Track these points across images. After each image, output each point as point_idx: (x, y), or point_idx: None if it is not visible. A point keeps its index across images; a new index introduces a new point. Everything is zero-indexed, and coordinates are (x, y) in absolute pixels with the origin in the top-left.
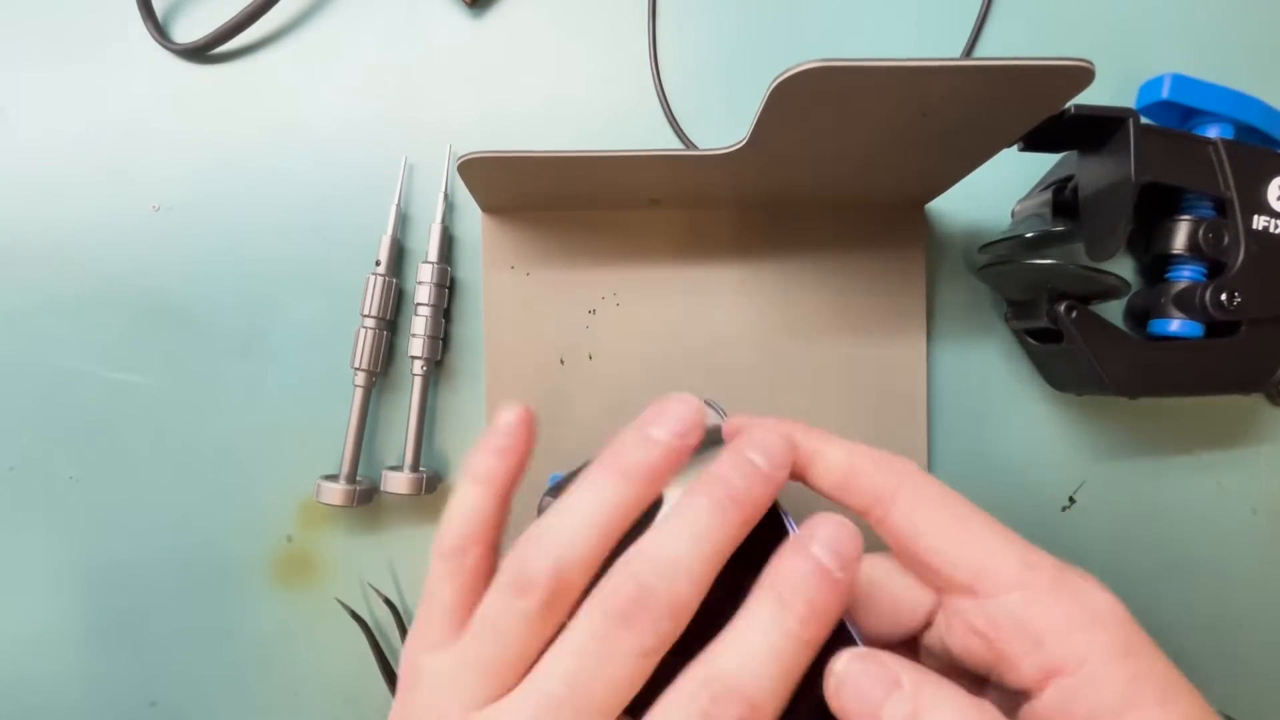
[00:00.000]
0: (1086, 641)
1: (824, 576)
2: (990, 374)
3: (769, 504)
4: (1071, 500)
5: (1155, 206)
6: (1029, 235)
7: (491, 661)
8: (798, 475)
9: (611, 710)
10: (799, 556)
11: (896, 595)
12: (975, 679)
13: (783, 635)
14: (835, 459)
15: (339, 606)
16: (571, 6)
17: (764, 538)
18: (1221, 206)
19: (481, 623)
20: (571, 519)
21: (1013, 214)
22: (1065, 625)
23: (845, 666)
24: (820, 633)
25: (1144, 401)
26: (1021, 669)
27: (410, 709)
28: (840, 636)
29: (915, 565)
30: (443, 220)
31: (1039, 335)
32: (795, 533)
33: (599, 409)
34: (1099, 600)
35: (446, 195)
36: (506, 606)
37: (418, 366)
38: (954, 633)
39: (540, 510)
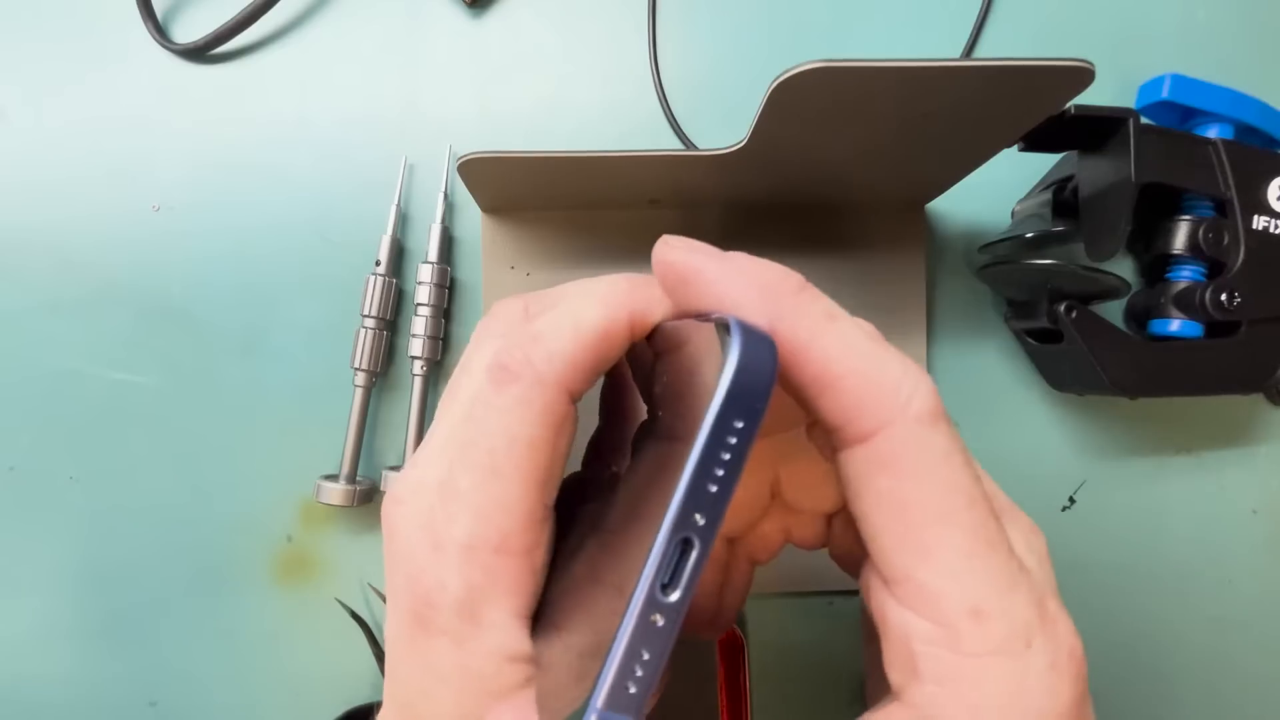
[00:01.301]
0: None
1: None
2: (990, 374)
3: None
4: (1071, 500)
5: (1155, 206)
6: (1029, 235)
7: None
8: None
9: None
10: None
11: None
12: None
13: (587, 295)
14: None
15: (339, 606)
16: (571, 6)
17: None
18: (1221, 206)
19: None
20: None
21: (1013, 214)
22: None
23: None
24: (619, 299)
25: (1144, 401)
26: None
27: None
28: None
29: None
30: (443, 220)
31: (1039, 335)
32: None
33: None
34: (1036, 700)
35: (446, 195)
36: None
37: (418, 367)
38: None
39: None
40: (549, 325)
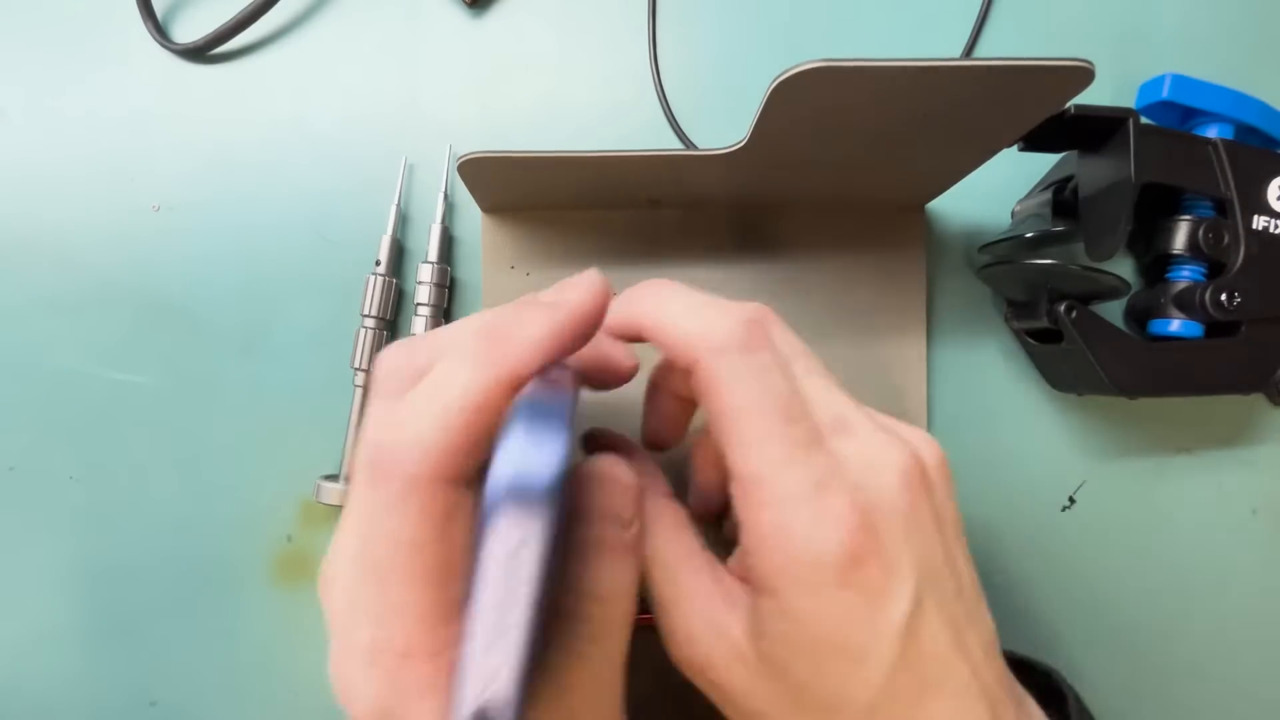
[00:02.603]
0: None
1: (522, 304)
2: (990, 374)
3: (550, 333)
4: (1071, 500)
5: (1155, 206)
6: (1029, 235)
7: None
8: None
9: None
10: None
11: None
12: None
13: (449, 358)
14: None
15: None
16: (571, 6)
17: None
18: (1221, 206)
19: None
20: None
21: (1013, 214)
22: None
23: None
24: (491, 349)
25: (1144, 401)
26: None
27: None
28: None
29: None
30: (443, 220)
31: (1039, 335)
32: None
33: (599, 410)
34: (802, 544)
35: (446, 195)
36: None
37: None
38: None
39: None
40: (417, 410)
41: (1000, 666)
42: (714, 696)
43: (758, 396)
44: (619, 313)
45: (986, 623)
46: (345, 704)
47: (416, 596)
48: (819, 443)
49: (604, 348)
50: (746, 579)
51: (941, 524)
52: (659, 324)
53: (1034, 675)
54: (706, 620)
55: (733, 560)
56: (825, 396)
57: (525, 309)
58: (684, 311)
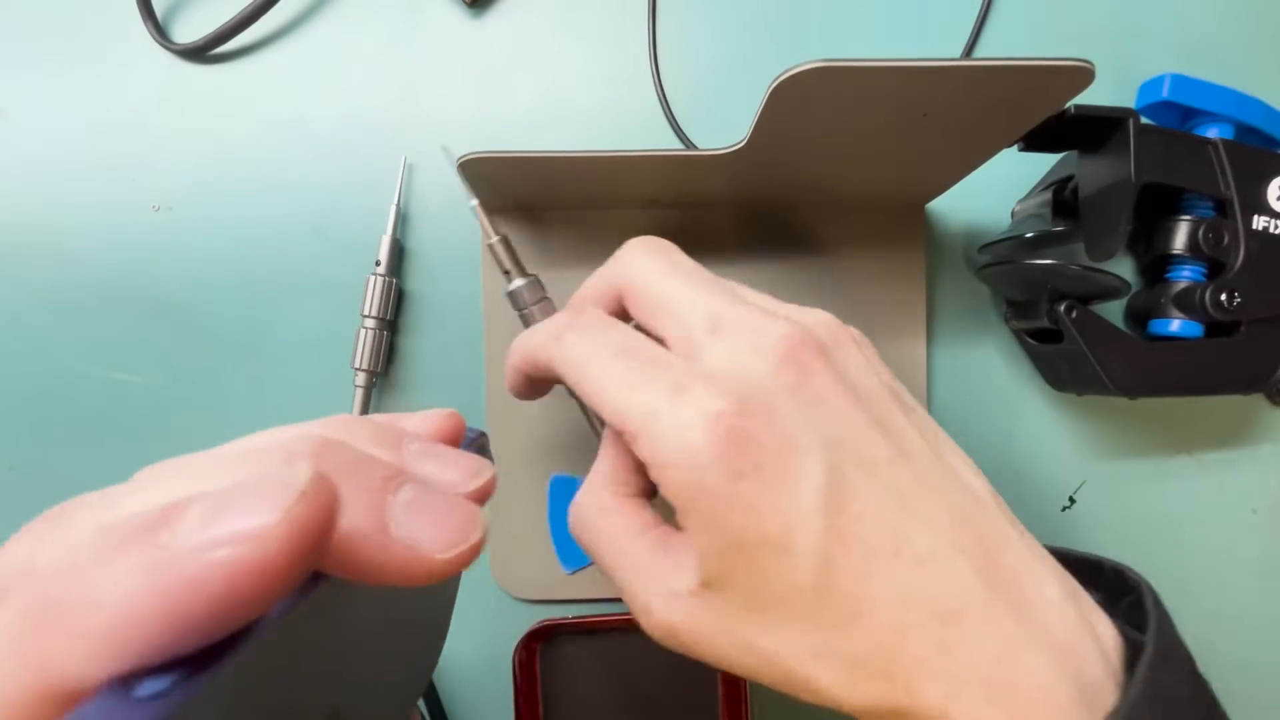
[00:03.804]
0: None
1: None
2: (990, 374)
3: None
4: (1071, 500)
5: (1155, 206)
6: (1029, 235)
7: None
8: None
9: None
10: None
11: None
12: None
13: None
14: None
15: None
16: (571, 7)
17: None
18: (1221, 206)
19: None
20: None
21: (1013, 214)
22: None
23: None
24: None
25: (1144, 401)
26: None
27: None
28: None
29: None
30: (494, 214)
31: (1039, 335)
32: None
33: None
34: (681, 454)
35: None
36: None
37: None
38: None
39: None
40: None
41: (994, 530)
42: (699, 658)
43: (588, 355)
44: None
45: (961, 489)
46: None
47: None
48: (661, 361)
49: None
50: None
51: (856, 390)
52: (530, 365)
53: (1101, 575)
54: (656, 586)
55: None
56: (692, 302)
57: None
58: (533, 343)
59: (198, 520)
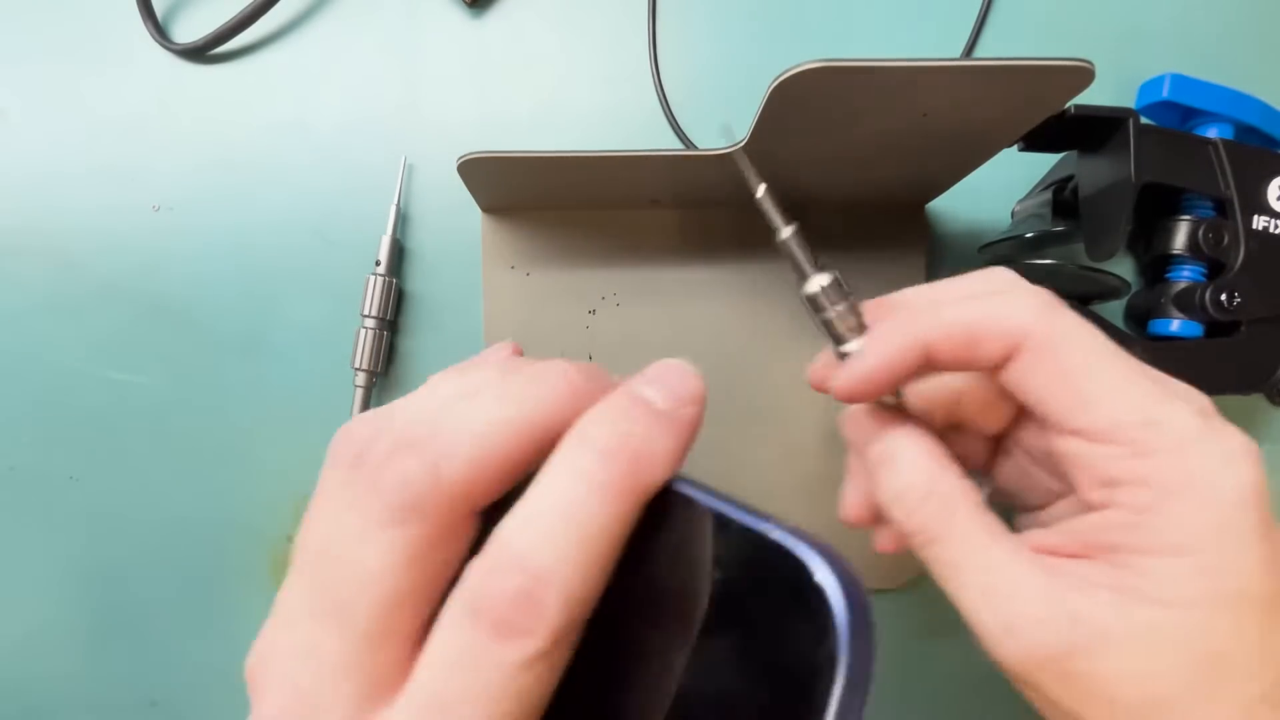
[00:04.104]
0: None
1: (638, 409)
2: None
3: (673, 460)
4: None
5: (1155, 206)
6: (1029, 235)
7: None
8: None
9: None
10: (610, 395)
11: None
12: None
13: (576, 484)
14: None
15: None
16: (571, 7)
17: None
18: (1221, 206)
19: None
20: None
21: (1013, 214)
22: (1151, 500)
23: (850, 411)
24: (627, 478)
25: None
26: (1088, 498)
27: None
28: (674, 509)
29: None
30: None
31: None
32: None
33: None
34: (1220, 488)
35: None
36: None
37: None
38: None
39: None
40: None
41: None
42: (1053, 694)
43: (1102, 342)
44: (892, 345)
45: None
46: None
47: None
48: (1173, 393)
49: None
50: (1087, 551)
51: None
52: (960, 325)
53: None
54: (1050, 606)
55: (1043, 535)
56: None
57: (651, 420)
58: (979, 304)
59: (664, 388)
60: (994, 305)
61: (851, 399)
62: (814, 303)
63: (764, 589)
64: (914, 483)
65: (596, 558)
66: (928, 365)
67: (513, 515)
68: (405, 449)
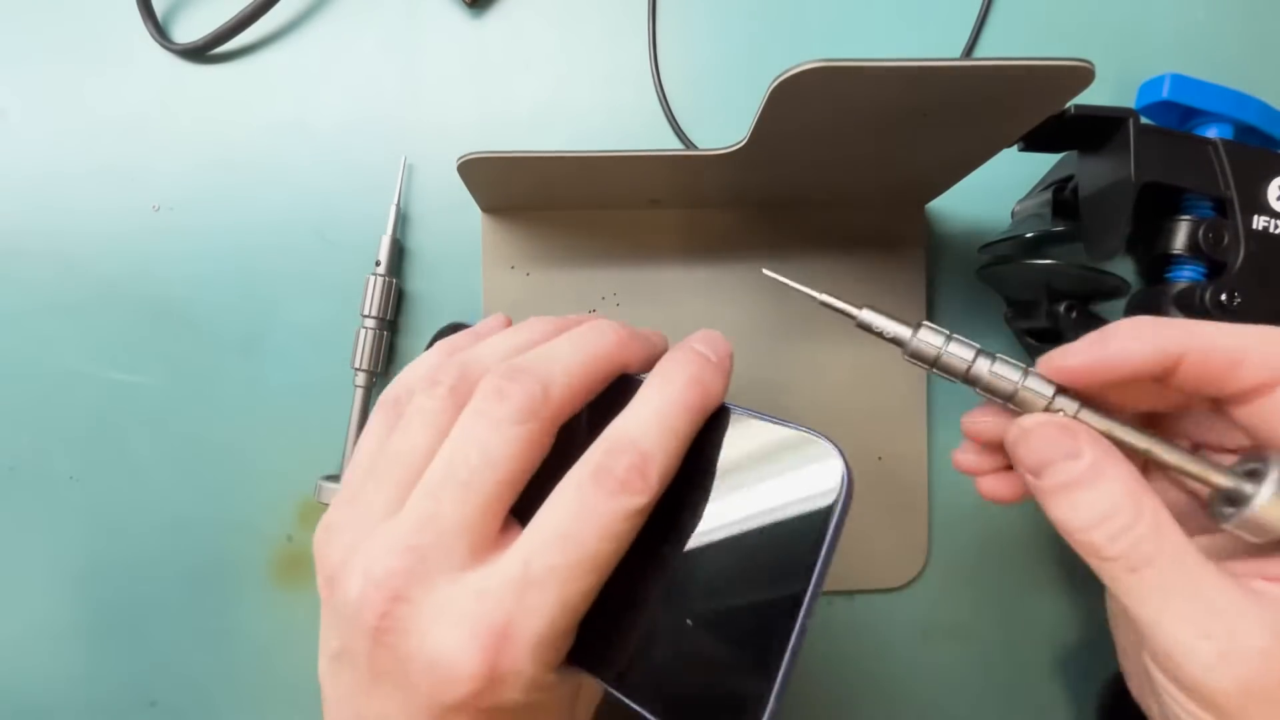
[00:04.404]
0: None
1: (699, 357)
2: None
3: (723, 392)
4: None
5: (1155, 206)
6: (1029, 235)
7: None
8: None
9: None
10: (677, 348)
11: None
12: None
13: (666, 399)
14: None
15: None
16: (571, 6)
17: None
18: (1221, 206)
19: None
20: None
21: (1013, 214)
22: None
23: (1033, 423)
24: (698, 399)
25: None
26: None
27: None
28: (725, 421)
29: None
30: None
31: (1039, 335)
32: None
33: None
34: None
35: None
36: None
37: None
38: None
39: None
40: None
41: None
42: None
43: None
44: (1148, 343)
45: None
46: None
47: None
48: None
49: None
50: None
51: None
52: (1227, 346)
53: None
54: (1275, 636)
55: (1261, 565)
56: None
57: (707, 365)
58: (1245, 331)
59: (711, 346)
60: (1264, 335)
61: (1073, 381)
62: (992, 390)
63: (783, 459)
64: (1121, 505)
65: (679, 448)
66: (1161, 376)
67: (623, 418)
68: (522, 374)
